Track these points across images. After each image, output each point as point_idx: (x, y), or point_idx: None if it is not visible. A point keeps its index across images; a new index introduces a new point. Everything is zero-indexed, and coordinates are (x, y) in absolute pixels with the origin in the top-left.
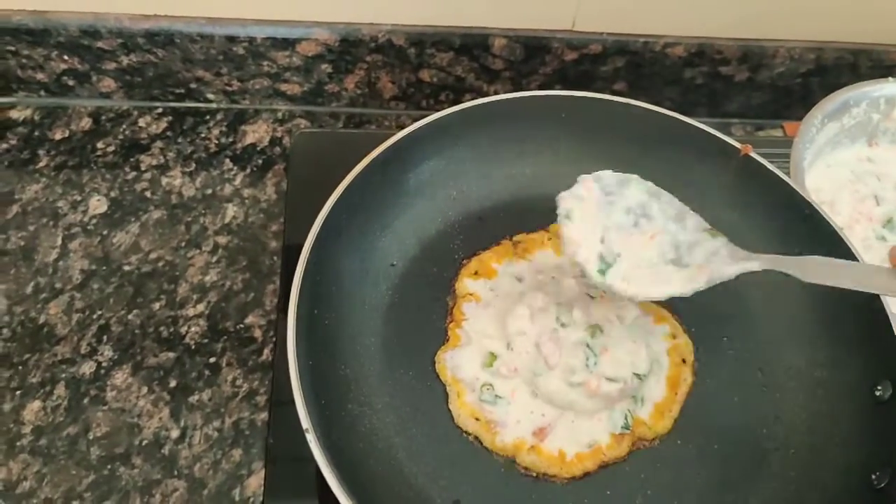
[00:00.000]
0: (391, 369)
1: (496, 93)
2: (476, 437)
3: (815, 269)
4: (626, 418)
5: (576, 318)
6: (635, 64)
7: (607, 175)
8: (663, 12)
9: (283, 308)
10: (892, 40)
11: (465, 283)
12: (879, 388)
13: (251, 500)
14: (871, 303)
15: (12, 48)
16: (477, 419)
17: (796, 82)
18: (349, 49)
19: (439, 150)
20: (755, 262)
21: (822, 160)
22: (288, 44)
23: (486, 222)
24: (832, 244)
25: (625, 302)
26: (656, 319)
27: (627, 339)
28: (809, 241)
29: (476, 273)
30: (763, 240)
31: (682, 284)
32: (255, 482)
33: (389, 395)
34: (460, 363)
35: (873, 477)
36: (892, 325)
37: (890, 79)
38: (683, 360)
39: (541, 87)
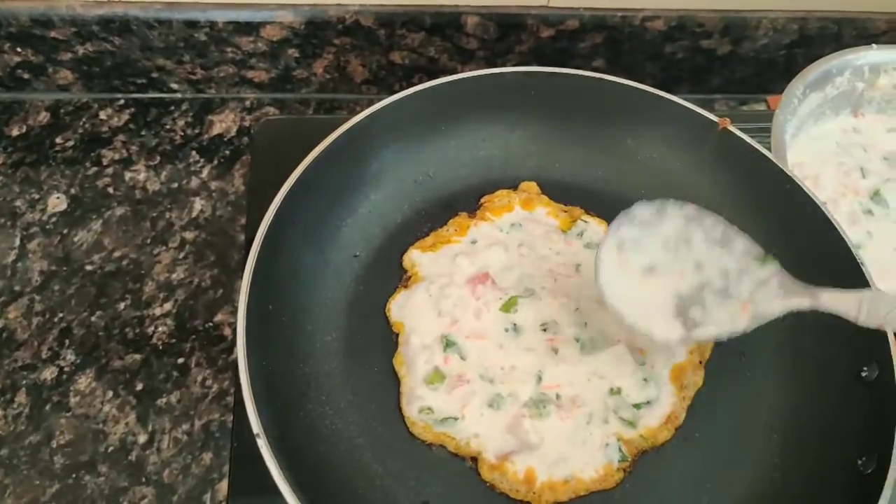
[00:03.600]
0: (354, 366)
1: None
2: (440, 444)
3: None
4: (620, 450)
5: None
6: (614, 40)
7: (640, 210)
8: None
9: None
10: (877, 7)
11: (412, 255)
12: (866, 369)
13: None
14: (856, 283)
15: None
16: (432, 432)
17: (780, 54)
18: (316, 32)
19: (401, 133)
20: (806, 300)
21: (805, 133)
22: (251, 28)
23: (454, 207)
24: (814, 219)
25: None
26: None
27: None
28: (790, 217)
29: (431, 246)
30: (743, 217)
31: (722, 325)
32: (226, 487)
33: (353, 393)
34: (412, 361)
35: (859, 462)
36: None
37: (874, 46)
38: (700, 361)
39: (517, 67)
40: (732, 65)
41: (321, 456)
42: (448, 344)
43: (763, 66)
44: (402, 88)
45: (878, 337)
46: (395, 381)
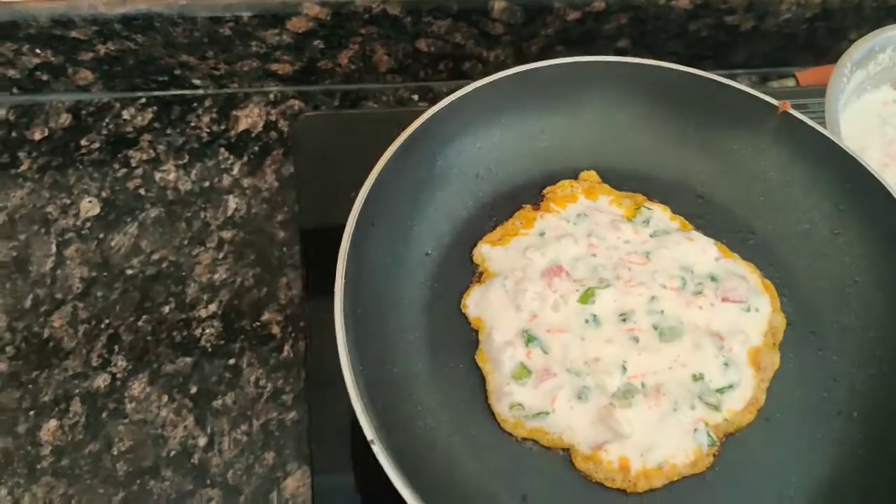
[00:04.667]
0: (439, 365)
1: (497, 58)
2: (532, 439)
3: None
4: (708, 435)
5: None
6: (639, 20)
7: None
8: None
9: (307, 301)
10: None
11: (482, 250)
12: None
13: (290, 502)
14: None
15: None
16: (525, 428)
17: (802, 28)
18: (342, 23)
19: (463, 129)
20: None
21: (849, 107)
22: (277, 21)
23: (517, 200)
24: (878, 197)
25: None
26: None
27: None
28: (856, 197)
29: (499, 240)
30: (808, 198)
31: None
32: (292, 484)
33: (441, 391)
34: (496, 357)
35: None
36: None
37: None
38: (774, 343)
39: (542, 50)
40: (755, 40)
41: (420, 456)
42: (530, 338)
43: (785, 40)
44: (427, 76)
45: None
46: (480, 377)
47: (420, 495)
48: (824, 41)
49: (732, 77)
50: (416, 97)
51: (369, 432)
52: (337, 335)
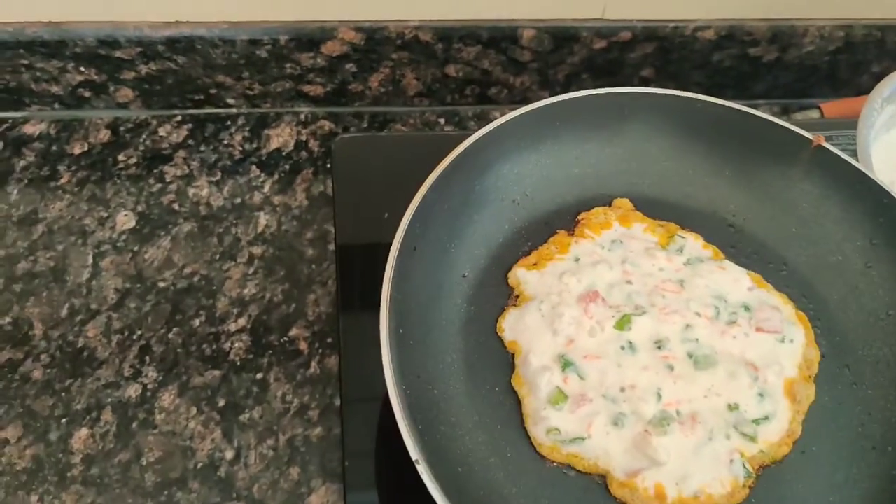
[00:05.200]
0: (475, 387)
1: (522, 85)
2: (568, 464)
3: None
4: (744, 466)
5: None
6: (664, 49)
7: None
8: None
9: (340, 318)
10: None
11: (517, 274)
12: None
13: None
14: None
15: (26, 61)
16: (561, 453)
17: (824, 60)
18: (375, 47)
19: (502, 156)
20: None
21: (879, 141)
22: (312, 45)
23: (551, 225)
24: None
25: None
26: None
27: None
28: (889, 231)
29: (535, 264)
30: (840, 231)
31: None
32: (317, 500)
33: (478, 413)
34: (533, 382)
35: None
36: None
37: None
38: (809, 375)
39: (568, 78)
40: (776, 71)
41: (459, 477)
42: (566, 364)
43: (806, 72)
44: (454, 101)
45: None
46: (516, 400)
47: None
48: (846, 74)
49: (753, 108)
50: (442, 121)
51: (414, 452)
52: (383, 359)
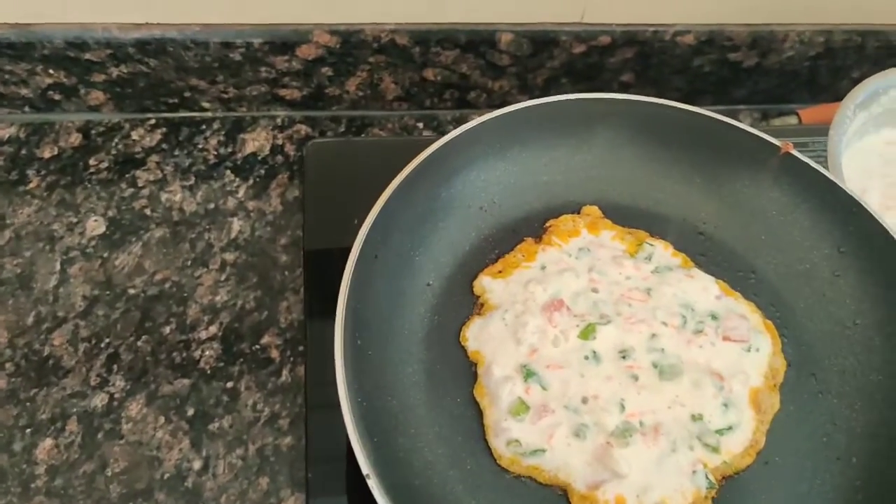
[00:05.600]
0: (437, 398)
1: (501, 89)
2: (528, 476)
3: None
4: (707, 477)
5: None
6: (644, 54)
7: None
8: (673, 0)
9: (308, 325)
10: None
11: (482, 282)
12: None
13: None
14: None
15: None
16: (521, 465)
17: (804, 66)
18: (351, 51)
19: (468, 163)
20: None
21: (850, 148)
22: (287, 48)
23: (519, 233)
24: (881, 242)
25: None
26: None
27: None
28: (857, 240)
29: (500, 272)
30: (809, 239)
31: None
32: None
33: (439, 424)
34: (495, 392)
35: None
36: None
37: None
38: (775, 384)
39: (547, 82)
40: (756, 77)
41: (417, 490)
42: (529, 374)
43: (786, 77)
44: (433, 105)
45: None
46: (478, 411)
47: None
48: (826, 79)
49: (734, 113)
50: (420, 125)
51: (365, 467)
52: (336, 370)
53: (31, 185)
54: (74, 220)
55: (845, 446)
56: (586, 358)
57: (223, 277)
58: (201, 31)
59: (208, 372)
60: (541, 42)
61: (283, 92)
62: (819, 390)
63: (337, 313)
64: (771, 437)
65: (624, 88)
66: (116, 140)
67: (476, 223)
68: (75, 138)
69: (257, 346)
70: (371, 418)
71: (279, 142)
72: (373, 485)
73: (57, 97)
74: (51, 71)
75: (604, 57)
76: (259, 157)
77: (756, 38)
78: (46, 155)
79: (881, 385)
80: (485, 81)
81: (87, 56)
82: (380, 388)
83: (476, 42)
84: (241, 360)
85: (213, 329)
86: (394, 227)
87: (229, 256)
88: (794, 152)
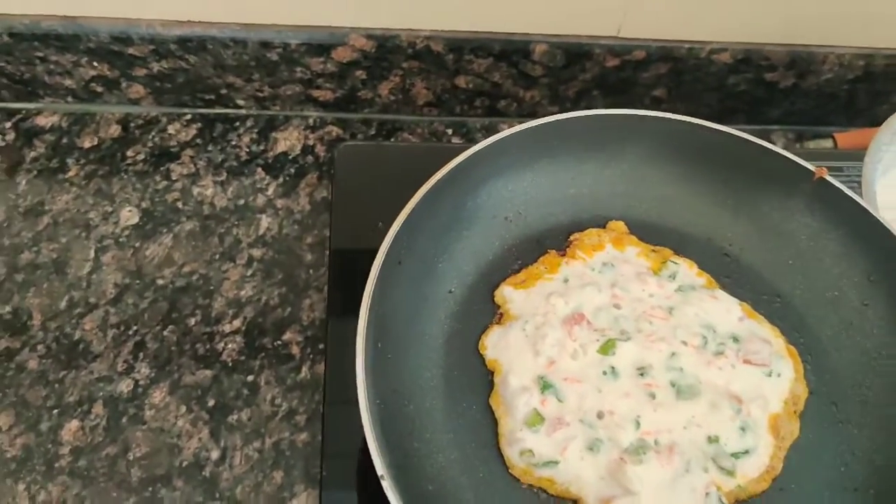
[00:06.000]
0: (453, 404)
1: (532, 99)
2: (540, 487)
3: None
4: (720, 500)
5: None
6: (678, 71)
7: None
8: (710, 18)
9: (329, 323)
10: None
11: (504, 292)
12: None
13: None
14: None
15: (40, 54)
16: (533, 476)
17: (842, 89)
18: (386, 55)
19: (496, 173)
20: None
21: (885, 177)
22: (323, 50)
23: (543, 245)
24: None
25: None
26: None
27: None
28: (889, 270)
29: (523, 283)
30: (838, 266)
31: None
32: None
33: (454, 431)
34: (510, 402)
35: None
36: None
37: None
38: (795, 411)
39: (578, 94)
40: (792, 98)
41: (430, 494)
42: (545, 385)
43: (823, 99)
44: (463, 112)
45: None
46: (493, 420)
47: None
48: (864, 103)
49: (767, 133)
50: (450, 131)
51: (380, 468)
52: (357, 372)
53: (71, 174)
54: (110, 209)
55: (863, 478)
56: (604, 373)
57: (249, 273)
58: (241, 30)
59: (230, 364)
60: (574, 54)
61: (316, 93)
62: (840, 419)
63: (360, 316)
64: (788, 463)
65: (656, 103)
66: (153, 133)
67: (501, 233)
68: (114, 130)
69: (279, 342)
70: (387, 421)
71: (310, 142)
72: (387, 486)
73: (99, 89)
74: (95, 63)
75: (637, 72)
76: (290, 157)
77: (794, 59)
78: (86, 145)
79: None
80: (516, 91)
81: (131, 50)
82: (397, 391)
83: (510, 51)
84: (263, 354)
85: (236, 323)
86: (419, 234)
87: (256, 252)
88: (829, 178)
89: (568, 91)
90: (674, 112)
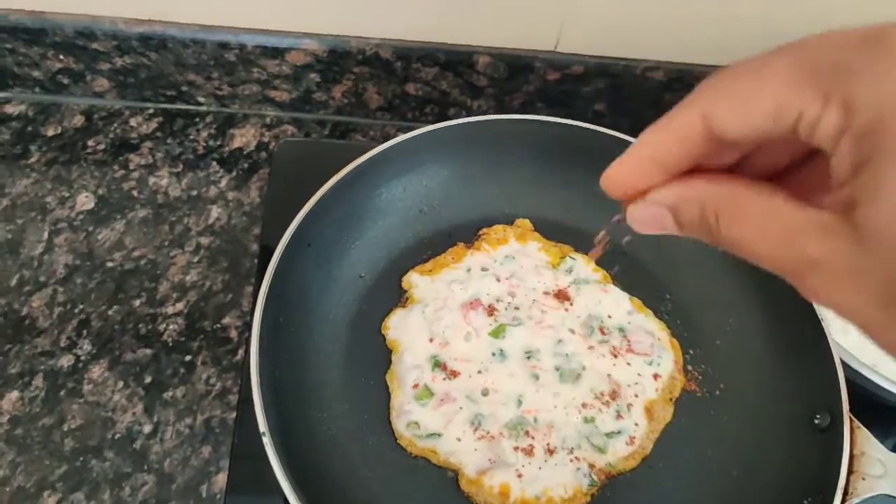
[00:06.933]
0: (351, 378)
1: (479, 108)
2: (424, 457)
3: None
4: (590, 475)
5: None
6: (615, 86)
7: None
8: (645, 37)
9: (252, 310)
10: None
11: (411, 278)
12: (818, 417)
13: (217, 496)
14: (816, 336)
15: (9, 46)
16: (417, 446)
17: None
18: (337, 60)
19: (411, 168)
20: None
21: None
22: (277, 52)
23: (453, 237)
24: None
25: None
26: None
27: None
28: (763, 273)
29: (430, 271)
30: (722, 271)
31: None
32: (223, 479)
33: (349, 402)
34: (403, 377)
35: (805, 503)
36: (833, 355)
37: None
38: (671, 398)
39: (523, 105)
40: None
41: (318, 458)
42: (437, 363)
43: None
44: (414, 117)
45: (831, 387)
46: (388, 394)
47: (303, 490)
48: None
49: None
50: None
51: (262, 425)
52: (252, 337)
53: (32, 160)
54: (67, 194)
55: (727, 461)
56: (493, 354)
57: (196, 259)
58: (200, 30)
59: (170, 344)
60: (516, 66)
61: (273, 93)
62: (713, 408)
63: (260, 290)
64: (659, 444)
65: (597, 117)
66: (115, 125)
67: (414, 225)
68: (78, 120)
69: (218, 325)
70: (282, 388)
71: (265, 139)
72: (266, 442)
73: (65, 81)
74: (61, 56)
75: (578, 85)
76: (244, 152)
77: None
78: (50, 133)
79: (766, 409)
80: (464, 100)
81: (95, 45)
82: (296, 363)
83: (455, 62)
84: (202, 336)
85: (179, 306)
86: (330, 220)
87: (204, 240)
88: None
89: (513, 101)
90: (616, 128)
